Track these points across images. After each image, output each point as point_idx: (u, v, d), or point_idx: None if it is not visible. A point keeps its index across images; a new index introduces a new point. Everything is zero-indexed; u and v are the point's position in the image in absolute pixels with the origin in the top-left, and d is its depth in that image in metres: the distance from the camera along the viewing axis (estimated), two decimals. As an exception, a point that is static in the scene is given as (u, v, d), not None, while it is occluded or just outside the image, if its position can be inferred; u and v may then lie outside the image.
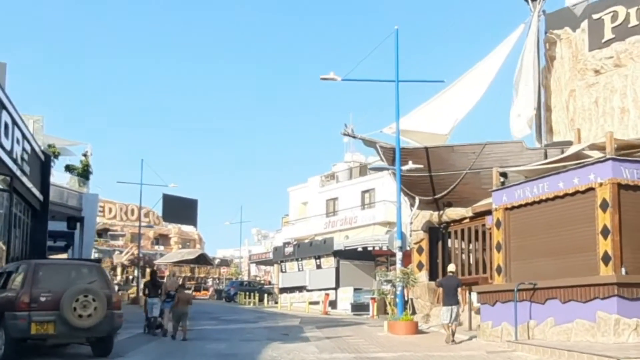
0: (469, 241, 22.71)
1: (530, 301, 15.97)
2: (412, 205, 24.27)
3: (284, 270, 47.21)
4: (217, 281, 67.55)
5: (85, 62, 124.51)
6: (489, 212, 20.46)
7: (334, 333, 20.59)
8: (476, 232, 22.23)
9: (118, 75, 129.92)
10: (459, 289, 18.91)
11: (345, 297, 40.37)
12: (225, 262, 77.53)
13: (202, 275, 68.34)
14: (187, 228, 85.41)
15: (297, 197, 53.28)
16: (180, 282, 20.76)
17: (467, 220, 22.49)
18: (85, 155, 34.58)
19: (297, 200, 53.08)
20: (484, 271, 21.78)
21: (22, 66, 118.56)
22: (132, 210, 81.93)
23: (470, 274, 22.40)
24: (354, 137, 24.21)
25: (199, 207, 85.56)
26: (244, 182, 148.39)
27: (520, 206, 17.10)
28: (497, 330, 16.94)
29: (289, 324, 25.57)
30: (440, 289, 19.62)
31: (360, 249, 40.45)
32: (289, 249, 45.93)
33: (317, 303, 40.40)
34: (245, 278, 63.89)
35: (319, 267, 43.61)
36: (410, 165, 21.67)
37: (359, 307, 38.22)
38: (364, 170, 47.68)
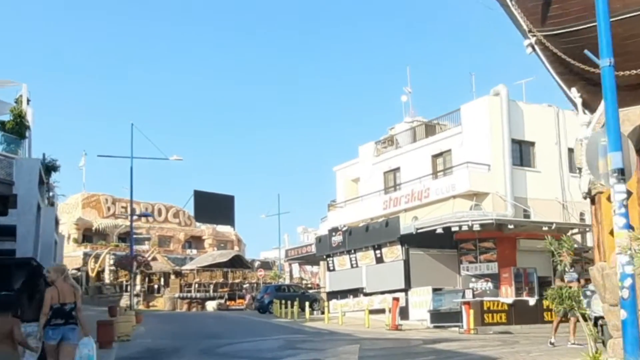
0: None
1: None
2: (586, 105, 10.66)
3: (331, 267, 33.79)
4: (256, 287, 54.44)
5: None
6: None
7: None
8: None
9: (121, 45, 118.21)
10: None
11: (421, 301, 27.18)
12: (267, 265, 64.51)
13: (237, 280, 55.37)
14: (224, 228, 73.11)
15: (345, 176, 39.93)
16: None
17: None
18: (18, 101, 21.85)
19: (345, 179, 39.71)
20: None
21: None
22: (160, 210, 69.83)
23: None
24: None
25: (236, 204, 74.43)
26: (282, 167, 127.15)
27: None
28: None
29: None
30: None
31: (440, 230, 26.89)
32: (337, 238, 32.53)
33: (380, 312, 27.23)
34: (287, 281, 50.45)
35: (379, 260, 30.16)
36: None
37: (441, 317, 25.47)
38: (431, 129, 34.12)
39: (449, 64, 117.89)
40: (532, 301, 26.05)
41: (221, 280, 54.22)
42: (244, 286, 54.54)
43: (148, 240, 65.59)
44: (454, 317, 24.76)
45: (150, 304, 52.41)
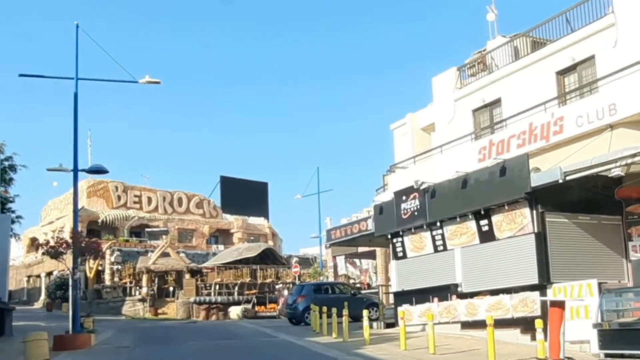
0: None
1: None
2: None
3: (399, 252, 20.88)
4: (291, 287, 41.86)
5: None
6: None
7: None
8: None
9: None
10: None
11: (576, 307, 14.25)
12: (306, 262, 51.94)
13: (268, 280, 42.96)
14: (256, 220, 61.03)
15: (409, 130, 27.26)
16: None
17: None
18: None
19: (413, 130, 27.00)
20: None
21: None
22: (180, 200, 57.98)
23: None
24: None
25: (271, 192, 62.51)
26: (323, 135, 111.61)
27: None
28: None
29: None
30: None
31: (618, 171, 13.81)
32: (409, 205, 19.71)
33: (488, 325, 14.47)
34: (329, 279, 37.62)
35: (487, 236, 17.22)
36: None
37: (626, 338, 12.37)
38: (539, 44, 21.20)
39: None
40: None
41: (248, 280, 41.93)
42: (277, 287, 42.14)
43: (166, 234, 53.69)
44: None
45: (160, 310, 40.31)
